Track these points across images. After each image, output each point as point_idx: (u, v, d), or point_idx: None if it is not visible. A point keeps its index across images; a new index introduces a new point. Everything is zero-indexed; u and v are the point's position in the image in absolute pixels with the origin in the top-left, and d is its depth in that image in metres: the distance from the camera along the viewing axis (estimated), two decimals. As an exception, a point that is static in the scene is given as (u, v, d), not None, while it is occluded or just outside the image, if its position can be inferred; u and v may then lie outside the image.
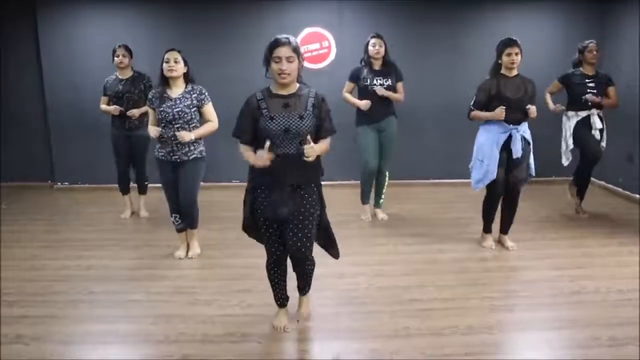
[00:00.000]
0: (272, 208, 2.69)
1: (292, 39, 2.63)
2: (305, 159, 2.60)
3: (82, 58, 6.32)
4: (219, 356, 2.74)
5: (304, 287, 3.05)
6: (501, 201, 4.29)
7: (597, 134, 4.97)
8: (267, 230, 2.80)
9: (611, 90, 4.99)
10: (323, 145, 2.74)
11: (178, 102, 3.83)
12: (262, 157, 2.60)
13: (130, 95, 4.99)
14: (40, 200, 6.17)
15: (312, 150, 2.60)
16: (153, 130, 3.87)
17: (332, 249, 3.05)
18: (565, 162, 5.16)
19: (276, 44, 2.59)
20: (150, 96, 3.94)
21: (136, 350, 2.84)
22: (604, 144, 5.07)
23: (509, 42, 3.98)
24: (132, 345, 2.89)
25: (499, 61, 4.04)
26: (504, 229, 4.40)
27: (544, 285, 3.65)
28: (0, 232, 4.76)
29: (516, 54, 3.97)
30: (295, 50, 2.61)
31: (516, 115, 4.00)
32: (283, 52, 2.57)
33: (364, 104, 4.76)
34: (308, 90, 2.73)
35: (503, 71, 4.06)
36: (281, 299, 3.04)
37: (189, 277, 3.83)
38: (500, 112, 3.95)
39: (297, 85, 2.73)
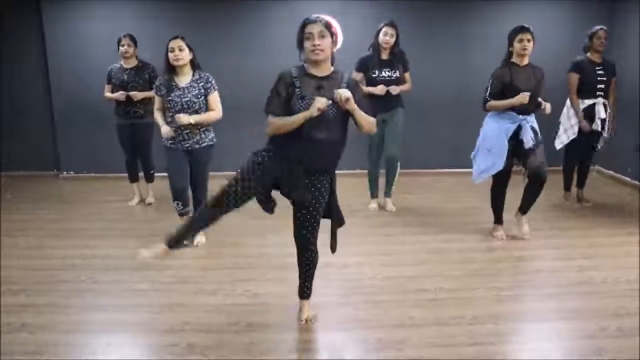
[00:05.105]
0: (290, 189, 2.64)
1: (322, 16, 2.60)
2: (341, 98, 2.48)
3: (87, 47, 6.29)
4: (223, 345, 2.73)
5: (306, 285, 2.95)
6: (526, 186, 4.18)
7: (598, 124, 4.92)
8: (248, 190, 2.64)
9: (613, 81, 4.98)
10: (367, 116, 2.64)
11: (186, 91, 3.81)
12: (322, 100, 2.49)
13: (134, 85, 4.98)
14: (45, 189, 6.18)
15: (345, 91, 2.50)
16: (167, 132, 3.86)
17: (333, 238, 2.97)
18: (558, 145, 5.12)
19: (307, 21, 2.58)
20: (157, 83, 3.94)
21: (141, 340, 2.83)
22: (605, 134, 5.04)
23: (522, 29, 3.90)
24: (136, 334, 2.88)
25: (510, 48, 3.97)
26: (524, 209, 4.25)
27: (551, 276, 3.63)
28: (0, 221, 4.77)
29: (528, 41, 3.88)
30: (327, 26, 2.57)
31: (528, 105, 3.92)
32: (314, 28, 2.55)
33: (380, 89, 4.70)
34: (342, 75, 2.69)
35: (514, 59, 3.97)
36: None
37: (193, 267, 3.82)
38: (524, 97, 3.83)
39: (332, 68, 2.68)
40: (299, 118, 2.53)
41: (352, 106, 2.54)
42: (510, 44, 3.96)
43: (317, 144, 2.60)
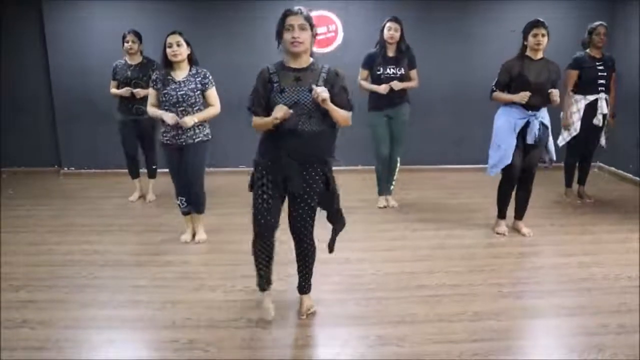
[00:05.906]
0: (281, 180, 2.66)
1: (303, 9, 2.59)
2: (317, 97, 2.51)
3: (88, 42, 6.27)
4: (224, 341, 2.73)
5: (305, 280, 2.97)
6: (515, 191, 4.26)
7: (600, 119, 4.92)
8: (260, 197, 2.68)
9: (613, 75, 4.98)
10: (342, 111, 2.65)
11: (182, 85, 3.80)
12: (282, 109, 2.52)
13: (138, 82, 4.97)
14: (46, 185, 6.18)
15: (323, 91, 2.52)
16: (170, 118, 3.77)
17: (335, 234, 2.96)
18: (561, 142, 5.11)
19: (288, 13, 2.57)
20: (153, 77, 3.91)
21: (142, 336, 2.84)
22: (606, 129, 5.06)
23: (536, 23, 3.91)
24: (137, 331, 2.88)
25: (525, 42, 3.97)
26: (519, 215, 4.35)
27: (553, 272, 3.62)
28: (1, 217, 4.77)
29: (542, 35, 3.88)
30: (307, 19, 2.57)
31: (537, 99, 3.92)
32: (295, 20, 2.55)
33: (384, 87, 4.67)
34: (321, 66, 2.69)
35: (528, 53, 3.97)
36: (265, 279, 2.88)
37: (194, 263, 3.83)
38: (523, 95, 3.88)
39: (311, 59, 2.68)
40: (268, 121, 2.58)
41: (329, 106, 2.56)
42: (525, 38, 3.97)
43: (304, 135, 2.61)
